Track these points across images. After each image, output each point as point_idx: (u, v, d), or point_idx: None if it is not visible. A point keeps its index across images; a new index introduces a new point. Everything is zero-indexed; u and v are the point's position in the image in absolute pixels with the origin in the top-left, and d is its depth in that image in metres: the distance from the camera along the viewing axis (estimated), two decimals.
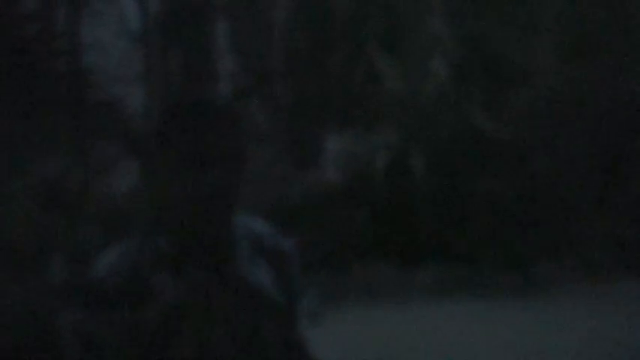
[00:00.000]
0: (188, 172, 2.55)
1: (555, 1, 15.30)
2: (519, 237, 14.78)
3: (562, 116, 14.92)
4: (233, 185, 2.59)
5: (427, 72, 15.95)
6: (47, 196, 8.67)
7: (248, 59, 13.33)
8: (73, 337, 2.63)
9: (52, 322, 7.60)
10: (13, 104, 8.14)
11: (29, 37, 8.21)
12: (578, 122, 14.85)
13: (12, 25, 8.11)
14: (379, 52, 15.74)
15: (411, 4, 16.02)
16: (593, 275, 14.02)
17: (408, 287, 14.24)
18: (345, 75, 15.58)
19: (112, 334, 2.57)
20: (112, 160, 8.82)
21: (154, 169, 2.49)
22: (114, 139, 8.63)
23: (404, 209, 15.33)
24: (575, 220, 14.75)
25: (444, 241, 15.00)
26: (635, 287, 13.17)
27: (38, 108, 8.32)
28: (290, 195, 15.12)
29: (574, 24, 15.12)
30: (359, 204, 15.43)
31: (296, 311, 2.72)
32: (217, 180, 2.56)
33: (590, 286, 13.60)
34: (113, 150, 8.74)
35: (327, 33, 15.46)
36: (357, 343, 10.78)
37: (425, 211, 15.23)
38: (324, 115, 15.50)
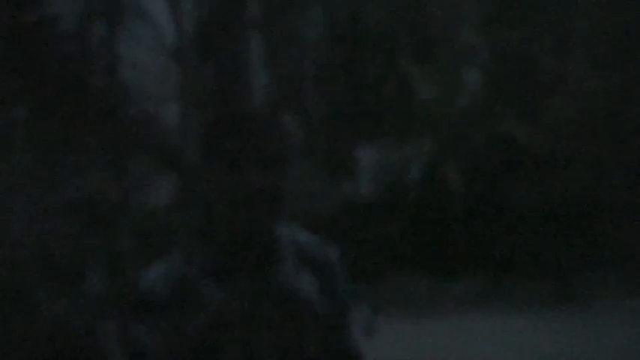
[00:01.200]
0: (232, 181, 2.64)
1: (589, 9, 15.37)
2: (557, 248, 14.82)
3: (598, 125, 14.96)
4: (277, 193, 2.67)
5: (460, 82, 16.06)
6: (85, 210, 8.89)
7: (281, 73, 13.51)
8: (120, 346, 2.71)
9: (95, 332, 7.80)
10: (51, 121, 8.38)
11: (67, 55, 8.46)
12: (614, 130, 14.90)
13: (50, 43, 8.36)
14: (412, 62, 15.88)
15: (444, 14, 16.14)
16: (632, 286, 14.03)
17: (444, 298, 14.30)
18: (378, 86, 15.72)
19: (162, 343, 2.63)
20: (148, 174, 9.04)
21: (195, 180, 2.58)
22: (151, 153, 8.84)
23: (439, 220, 15.42)
24: (613, 230, 14.77)
25: (479, 252, 15.07)
26: None
27: (76, 124, 8.55)
28: (325, 207, 15.24)
29: (609, 32, 15.19)
30: (394, 215, 15.54)
31: (346, 320, 2.75)
32: (261, 188, 2.63)
33: (629, 297, 13.60)
34: (150, 164, 8.96)
35: (359, 45, 15.62)
36: (392, 354, 10.87)
37: (460, 221, 15.32)
38: (358, 127, 15.65)
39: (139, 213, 9.11)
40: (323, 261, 2.76)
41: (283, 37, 13.84)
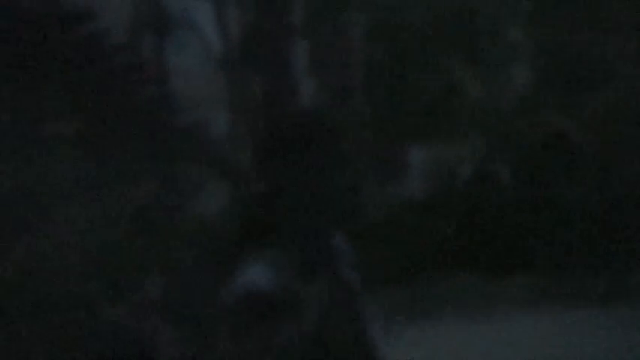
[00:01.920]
0: (292, 183, 2.78)
1: (636, 2, 15.38)
2: (607, 245, 14.83)
3: None
4: (335, 194, 2.83)
5: (508, 79, 16.16)
6: (140, 218, 9.21)
7: (328, 77, 13.73)
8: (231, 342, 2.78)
9: (152, 337, 8.10)
10: (105, 132, 8.72)
11: (118, 67, 8.79)
12: None
13: (102, 56, 8.70)
14: (458, 61, 16.00)
15: (489, 12, 16.24)
16: None
17: (495, 298, 14.35)
18: (425, 86, 15.88)
19: (273, 341, 2.79)
20: (200, 182, 9.34)
21: (251, 185, 2.74)
22: (202, 161, 9.15)
23: (489, 219, 15.51)
24: None
25: (531, 251, 15.13)
26: None
27: (128, 134, 8.88)
28: (375, 208, 15.40)
29: None
30: (443, 215, 15.65)
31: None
32: (320, 190, 2.78)
33: None
34: (201, 172, 9.26)
35: (405, 46, 15.79)
36: (443, 355, 11.00)
37: (510, 220, 15.40)
38: (406, 128, 15.81)
39: (192, 220, 9.40)
40: (344, 251, 2.99)
41: (328, 40, 14.07)
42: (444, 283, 14.83)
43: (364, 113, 15.73)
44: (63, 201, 8.84)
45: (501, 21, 16.31)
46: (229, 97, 9.58)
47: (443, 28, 16.07)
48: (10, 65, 8.37)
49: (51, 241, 8.61)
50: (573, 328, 12.02)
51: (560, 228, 15.02)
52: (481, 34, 16.22)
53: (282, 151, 2.80)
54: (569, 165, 15.42)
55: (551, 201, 15.26)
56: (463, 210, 15.67)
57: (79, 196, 8.80)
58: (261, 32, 10.71)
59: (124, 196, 8.88)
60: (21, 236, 8.65)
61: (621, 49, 15.58)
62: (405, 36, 15.75)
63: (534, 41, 16.33)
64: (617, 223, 14.88)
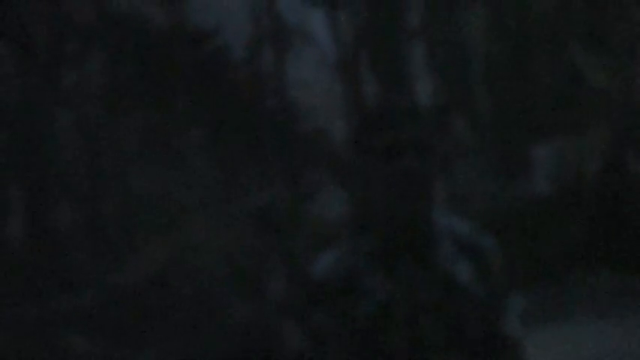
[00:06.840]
0: (387, 172, 3.08)
1: None
2: None
3: None
4: (430, 189, 3.11)
5: (636, 67, 16.73)
6: (262, 219, 10.53)
7: (447, 75, 14.55)
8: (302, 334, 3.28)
9: (277, 332, 9.40)
10: (231, 140, 10.17)
11: (242, 80, 10.27)
12: None
13: (226, 71, 10.21)
14: (583, 51, 16.68)
15: None
16: None
17: (628, 296, 14.89)
18: (548, 79, 16.62)
19: (333, 329, 3.12)
20: (318, 185, 10.64)
21: (358, 182, 3.19)
22: (320, 166, 10.44)
23: (621, 213, 16.12)
24: None
25: None
26: None
27: (253, 142, 10.33)
28: (502, 207, 16.18)
29: None
30: (572, 211, 16.31)
31: (501, 308, 3.18)
32: (416, 185, 3.07)
33: None
34: (319, 176, 10.56)
35: (527, 35, 16.54)
36: (578, 355, 11.75)
37: None
38: (530, 124, 16.55)
39: (312, 221, 10.63)
40: (478, 249, 3.21)
41: (448, 36, 14.88)
42: (577, 281, 15.40)
43: (487, 108, 16.48)
44: (193, 203, 10.29)
45: (628, 4, 16.82)
46: (346, 103, 10.77)
47: (566, 16, 16.73)
48: (145, 79, 9.94)
49: (184, 242, 10.06)
50: None
51: None
52: (607, 20, 16.80)
53: (378, 138, 3.09)
54: None
55: None
56: (592, 205, 16.26)
57: (207, 199, 10.24)
58: (375, 35, 11.73)
59: (249, 199, 10.28)
60: (157, 238, 10.14)
61: None
62: (527, 25, 16.48)
63: None
64: None
